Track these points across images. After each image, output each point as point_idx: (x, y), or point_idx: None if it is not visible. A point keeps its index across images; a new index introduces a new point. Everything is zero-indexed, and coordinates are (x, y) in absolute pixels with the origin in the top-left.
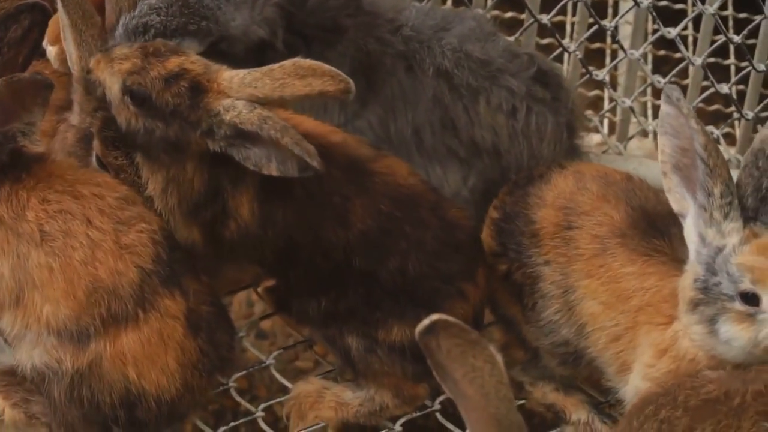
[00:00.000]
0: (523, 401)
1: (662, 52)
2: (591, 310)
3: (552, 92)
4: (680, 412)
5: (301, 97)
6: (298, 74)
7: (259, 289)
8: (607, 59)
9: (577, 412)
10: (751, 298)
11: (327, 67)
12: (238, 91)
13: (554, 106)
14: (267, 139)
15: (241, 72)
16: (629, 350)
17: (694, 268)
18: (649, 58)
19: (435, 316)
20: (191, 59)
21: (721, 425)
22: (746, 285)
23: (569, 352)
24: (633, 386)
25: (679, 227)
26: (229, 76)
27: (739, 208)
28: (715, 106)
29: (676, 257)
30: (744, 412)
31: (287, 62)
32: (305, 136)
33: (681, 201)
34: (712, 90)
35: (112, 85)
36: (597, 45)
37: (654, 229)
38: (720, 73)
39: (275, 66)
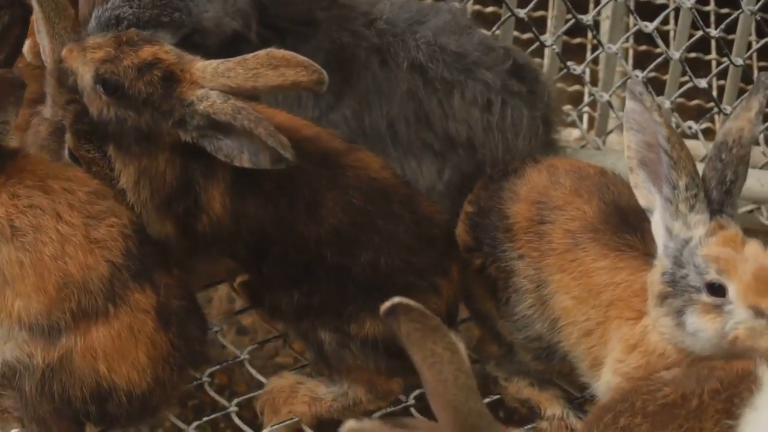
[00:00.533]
0: (497, 396)
1: (643, 47)
2: (563, 305)
3: (528, 86)
4: (639, 418)
5: (274, 88)
6: (271, 64)
7: (235, 284)
8: (588, 54)
9: (552, 407)
10: (717, 289)
11: (300, 57)
12: (211, 81)
13: (530, 100)
14: (240, 129)
15: (215, 62)
16: (601, 345)
17: (661, 261)
18: (631, 53)
19: (396, 299)
20: (165, 49)
21: (683, 429)
22: (712, 276)
23: (543, 347)
24: (604, 381)
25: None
26: (203, 66)
27: (705, 201)
28: (695, 102)
29: (648, 252)
30: (704, 412)
31: (261, 52)
32: (278, 129)
33: (648, 196)
34: (692, 85)
35: (85, 73)
36: (578, 40)
37: (626, 224)
38: (703, 68)
39: (249, 56)
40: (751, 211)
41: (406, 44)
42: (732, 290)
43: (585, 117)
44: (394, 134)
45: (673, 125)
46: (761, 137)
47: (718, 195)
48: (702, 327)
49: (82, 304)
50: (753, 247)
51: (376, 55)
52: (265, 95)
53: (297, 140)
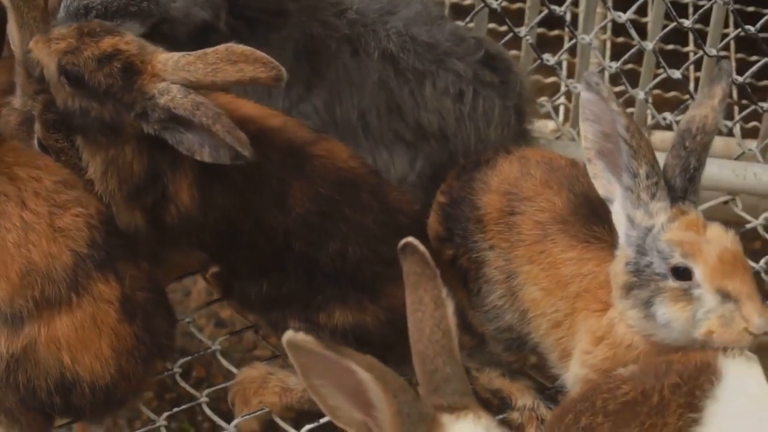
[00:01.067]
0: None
1: (621, 39)
2: (532, 296)
3: (500, 76)
4: (601, 417)
5: (233, 83)
6: (230, 60)
7: (208, 275)
8: (566, 46)
9: (523, 397)
10: (683, 273)
11: (259, 53)
12: (172, 75)
13: (502, 90)
14: (199, 125)
15: (176, 55)
16: (569, 337)
17: (624, 251)
18: (608, 45)
19: (409, 239)
20: (125, 40)
21: (646, 426)
22: (677, 259)
23: (513, 338)
24: (573, 373)
25: None
26: (164, 59)
27: (666, 188)
28: (672, 93)
29: (615, 244)
30: (666, 408)
31: (220, 47)
32: (245, 119)
33: (607, 186)
34: (669, 77)
35: (49, 64)
36: (556, 32)
37: (595, 216)
38: (682, 60)
39: (209, 50)
40: (726, 202)
41: (377, 34)
42: (698, 273)
43: (561, 108)
44: (365, 125)
45: (649, 116)
46: (737, 128)
47: (682, 182)
48: (673, 317)
49: (45, 292)
50: (715, 229)
51: (347, 46)
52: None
53: (264, 130)
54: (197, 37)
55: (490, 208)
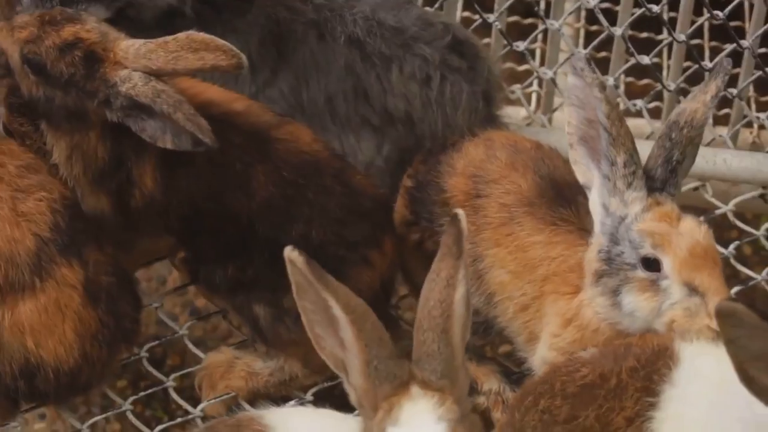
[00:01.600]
0: None
1: (595, 27)
2: (499, 279)
3: (468, 61)
4: (559, 400)
5: (194, 71)
6: (191, 48)
7: (176, 260)
8: (540, 34)
9: (489, 382)
10: (652, 264)
11: (220, 41)
12: (134, 62)
13: (470, 75)
14: (160, 113)
15: (137, 42)
16: (536, 320)
17: (598, 239)
18: (582, 33)
19: (460, 211)
20: (86, 27)
21: (604, 409)
22: (647, 250)
23: (479, 321)
24: (540, 356)
25: (586, 196)
26: (126, 46)
27: (644, 178)
28: (645, 81)
29: (583, 227)
30: (623, 391)
31: (181, 35)
32: (208, 104)
33: (586, 173)
34: (643, 64)
35: (13, 53)
36: (530, 20)
37: (561, 198)
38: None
39: (170, 38)
40: (696, 189)
41: (344, 19)
42: (667, 264)
43: (534, 96)
44: (332, 109)
45: (618, 103)
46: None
47: (663, 173)
48: (638, 306)
49: (8, 277)
50: (689, 222)
51: (313, 30)
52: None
53: (228, 114)
54: (163, 22)
55: (455, 191)
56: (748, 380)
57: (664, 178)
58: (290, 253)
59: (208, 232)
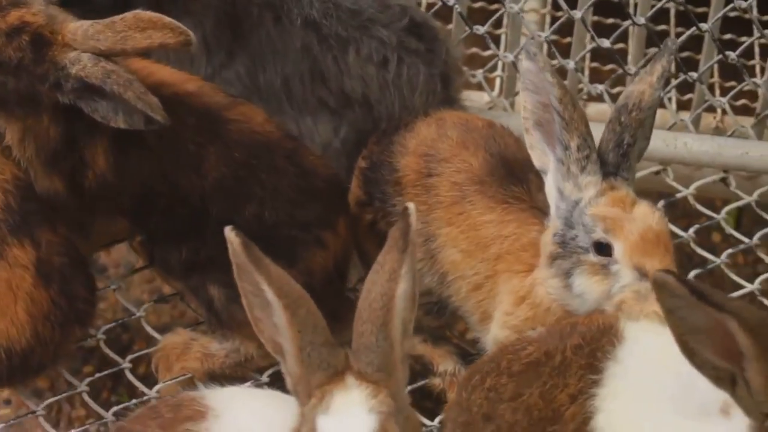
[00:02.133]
0: None
1: (560, 13)
2: (452, 259)
3: (426, 44)
4: (505, 378)
5: (142, 50)
6: (138, 27)
7: (134, 243)
8: (506, 19)
9: (444, 363)
10: (604, 248)
11: (167, 19)
12: (82, 44)
13: (428, 57)
14: (111, 93)
15: (85, 24)
16: (490, 299)
17: (553, 222)
18: (548, 19)
19: (411, 204)
20: (32, 11)
21: (548, 386)
22: (599, 234)
23: (433, 301)
24: (493, 335)
25: (538, 174)
26: (74, 28)
27: (598, 162)
28: (610, 66)
29: (535, 204)
30: (567, 368)
31: (128, 14)
32: (160, 84)
33: (542, 157)
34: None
35: None
36: (496, 6)
37: (512, 176)
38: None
39: (117, 18)
40: (657, 173)
41: (300, 1)
42: (618, 249)
43: (498, 80)
44: (288, 92)
45: (582, 87)
46: (673, 98)
47: (615, 158)
48: (588, 289)
49: None
50: (642, 207)
51: (269, 12)
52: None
53: (179, 95)
54: (119, 5)
55: (407, 171)
56: (689, 353)
57: (616, 162)
58: (229, 233)
59: (162, 213)
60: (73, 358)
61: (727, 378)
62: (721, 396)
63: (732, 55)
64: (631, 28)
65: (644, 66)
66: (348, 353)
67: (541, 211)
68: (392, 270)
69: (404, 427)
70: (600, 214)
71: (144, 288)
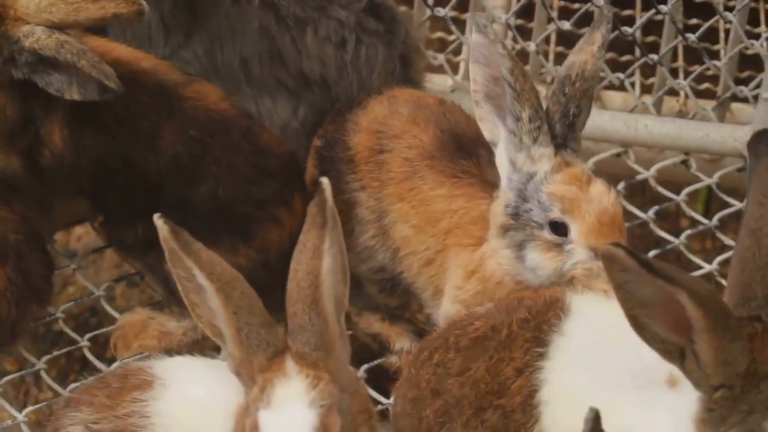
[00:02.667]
0: (350, 332)
1: None
2: (403, 234)
3: (385, 25)
4: (452, 353)
5: (96, 20)
6: None
7: (95, 223)
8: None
9: (401, 341)
10: (559, 228)
11: None
12: (35, 17)
13: (387, 38)
14: (65, 63)
15: None
16: (440, 274)
17: (505, 194)
18: (513, 2)
19: (324, 179)
20: None
21: (494, 360)
22: (556, 214)
23: (386, 278)
24: (443, 310)
25: (487, 149)
26: (26, 2)
27: (549, 134)
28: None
29: (485, 179)
30: (513, 342)
31: None
32: (115, 62)
33: (493, 129)
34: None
35: None
36: None
37: (463, 151)
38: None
39: None
40: (618, 155)
41: None
42: (574, 230)
43: (462, 63)
44: (247, 72)
45: (544, 70)
46: (637, 82)
47: (562, 129)
48: (541, 264)
49: None
50: (598, 187)
51: None
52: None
53: (134, 72)
54: None
55: (360, 148)
56: (638, 327)
57: (563, 134)
58: (157, 220)
59: (118, 191)
60: (42, 341)
61: (676, 351)
62: (667, 368)
63: (692, 37)
64: (596, 12)
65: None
66: (286, 333)
67: (490, 185)
68: (315, 247)
69: (350, 405)
70: (557, 193)
71: (113, 272)
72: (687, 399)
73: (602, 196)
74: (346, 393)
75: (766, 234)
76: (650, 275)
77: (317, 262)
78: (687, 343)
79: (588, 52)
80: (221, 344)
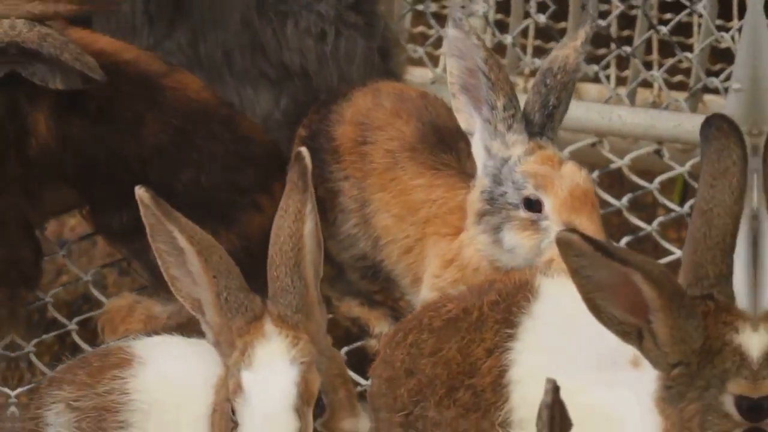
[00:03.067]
0: (330, 316)
1: None
2: (384, 223)
3: (365, 18)
4: (426, 334)
5: (75, 11)
6: None
7: (84, 212)
8: None
9: (380, 325)
10: (534, 204)
11: None
12: (16, 10)
13: (367, 31)
14: (47, 56)
15: None
16: (419, 262)
17: (480, 181)
18: None
19: (302, 148)
20: None
21: (465, 341)
22: (529, 191)
23: (368, 265)
24: (422, 298)
25: (467, 142)
26: None
27: (523, 121)
28: (552, 43)
29: (464, 170)
30: (484, 323)
31: None
32: (98, 53)
33: (469, 119)
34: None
35: None
36: None
37: (443, 144)
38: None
39: None
40: (593, 144)
41: None
42: (548, 205)
43: (442, 57)
44: (229, 63)
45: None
46: (612, 75)
47: (540, 118)
48: (518, 243)
49: None
50: (570, 166)
51: None
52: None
53: (117, 63)
54: None
55: (344, 139)
56: (596, 310)
57: (542, 123)
58: (138, 191)
59: (102, 179)
60: (36, 327)
61: (634, 333)
62: (631, 349)
63: (664, 30)
64: (571, 6)
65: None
66: (265, 301)
67: (469, 177)
68: (297, 211)
69: (328, 368)
70: (530, 171)
71: (106, 261)
72: (648, 378)
73: (574, 174)
74: (324, 356)
75: (716, 215)
76: (605, 258)
77: (300, 225)
78: (644, 323)
79: (571, 47)
80: (200, 317)
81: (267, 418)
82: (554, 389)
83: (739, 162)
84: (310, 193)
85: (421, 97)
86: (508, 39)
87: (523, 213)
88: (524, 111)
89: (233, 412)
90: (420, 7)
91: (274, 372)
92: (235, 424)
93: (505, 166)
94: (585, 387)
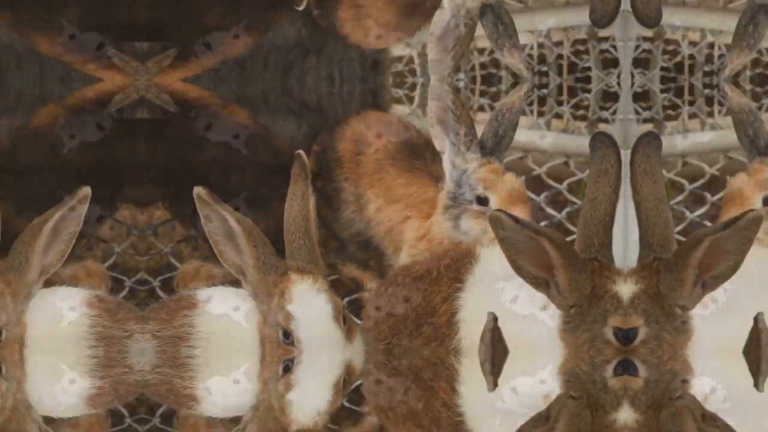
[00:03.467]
0: (336, 276)
1: None
2: (374, 210)
3: (362, 71)
4: (400, 287)
5: None
6: None
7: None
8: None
9: (370, 282)
10: (483, 201)
11: None
12: None
13: (363, 78)
14: None
15: None
16: (399, 238)
17: (447, 185)
18: None
19: (300, 152)
20: None
21: (428, 291)
22: (480, 191)
23: (362, 240)
24: (400, 262)
25: (433, 152)
26: None
27: (479, 144)
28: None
29: (430, 173)
30: (440, 280)
31: None
32: None
33: (441, 142)
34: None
35: None
36: None
37: (415, 154)
38: None
39: None
40: (521, 158)
41: None
42: (492, 201)
43: (416, 97)
44: (266, 100)
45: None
46: (535, 110)
47: (492, 144)
48: (471, 227)
49: None
50: (509, 175)
51: None
52: None
53: None
54: None
55: (344, 152)
56: (516, 267)
57: (493, 147)
58: (197, 189)
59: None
60: None
61: (543, 284)
62: (541, 295)
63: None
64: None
65: None
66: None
67: (435, 177)
68: (303, 192)
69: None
70: (482, 177)
71: (180, 238)
72: (553, 316)
73: (511, 180)
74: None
75: (599, 201)
76: (523, 229)
77: (306, 202)
78: (550, 277)
79: (516, 96)
80: (241, 278)
81: (321, 330)
82: (494, 319)
83: (615, 164)
84: (309, 180)
85: (398, 121)
86: (461, 83)
87: (475, 207)
88: (481, 138)
89: (285, 335)
90: (398, 68)
91: (310, 300)
92: (290, 343)
93: (464, 174)
94: (511, 320)
